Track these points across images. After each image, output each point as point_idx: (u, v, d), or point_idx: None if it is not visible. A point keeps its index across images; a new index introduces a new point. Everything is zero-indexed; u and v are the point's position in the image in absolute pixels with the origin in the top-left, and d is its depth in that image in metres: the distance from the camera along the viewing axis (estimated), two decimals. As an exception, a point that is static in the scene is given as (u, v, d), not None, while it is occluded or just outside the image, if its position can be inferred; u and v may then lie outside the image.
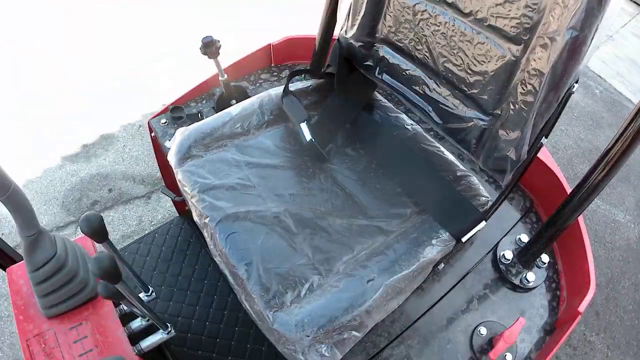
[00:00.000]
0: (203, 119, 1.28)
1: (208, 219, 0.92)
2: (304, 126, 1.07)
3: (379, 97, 1.22)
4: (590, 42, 0.72)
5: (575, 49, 0.72)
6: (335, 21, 1.19)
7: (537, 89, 0.78)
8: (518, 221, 1.19)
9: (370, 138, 1.14)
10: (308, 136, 1.06)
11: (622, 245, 2.21)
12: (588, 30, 0.70)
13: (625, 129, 0.77)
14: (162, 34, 3.00)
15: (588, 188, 0.88)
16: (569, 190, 1.14)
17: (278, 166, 1.05)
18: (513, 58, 0.82)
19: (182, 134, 1.04)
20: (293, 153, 1.09)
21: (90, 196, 2.09)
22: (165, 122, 1.31)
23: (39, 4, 3.19)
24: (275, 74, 1.50)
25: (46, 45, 2.87)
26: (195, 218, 0.98)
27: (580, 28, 0.70)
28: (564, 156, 2.58)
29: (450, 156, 1.09)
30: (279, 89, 1.14)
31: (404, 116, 1.17)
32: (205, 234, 0.95)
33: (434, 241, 0.92)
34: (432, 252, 0.90)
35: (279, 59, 1.52)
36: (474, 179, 1.04)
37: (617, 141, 0.79)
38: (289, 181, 1.03)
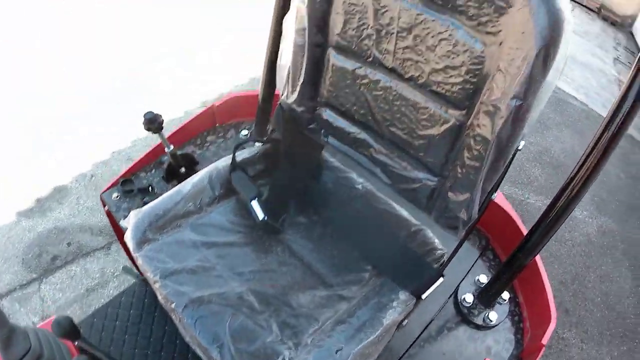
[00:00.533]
0: (154, 191, 1.32)
1: (174, 304, 0.92)
2: (255, 204, 1.07)
3: (327, 157, 1.21)
4: (535, 107, 0.71)
5: (519, 117, 0.71)
6: (275, 83, 1.18)
7: (484, 155, 0.78)
8: (476, 261, 1.23)
9: (322, 203, 1.14)
10: (261, 215, 1.06)
11: (582, 241, 2.29)
12: (532, 98, 0.69)
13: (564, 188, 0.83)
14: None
15: (541, 232, 0.92)
16: (521, 226, 1.19)
17: (234, 243, 1.05)
18: (457, 123, 0.81)
19: (136, 216, 1.03)
20: (247, 228, 1.09)
21: (50, 251, 2.02)
22: (117, 196, 1.31)
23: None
24: (220, 134, 1.51)
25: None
26: (161, 301, 0.98)
27: (524, 96, 0.69)
28: (515, 161, 2.63)
29: (402, 212, 1.09)
30: (226, 160, 1.14)
31: (353, 175, 1.17)
32: (173, 317, 0.95)
33: (394, 303, 0.93)
34: (394, 314, 0.92)
35: (223, 118, 1.52)
36: (429, 233, 1.05)
37: (575, 174, 0.85)
38: (246, 258, 1.03)
